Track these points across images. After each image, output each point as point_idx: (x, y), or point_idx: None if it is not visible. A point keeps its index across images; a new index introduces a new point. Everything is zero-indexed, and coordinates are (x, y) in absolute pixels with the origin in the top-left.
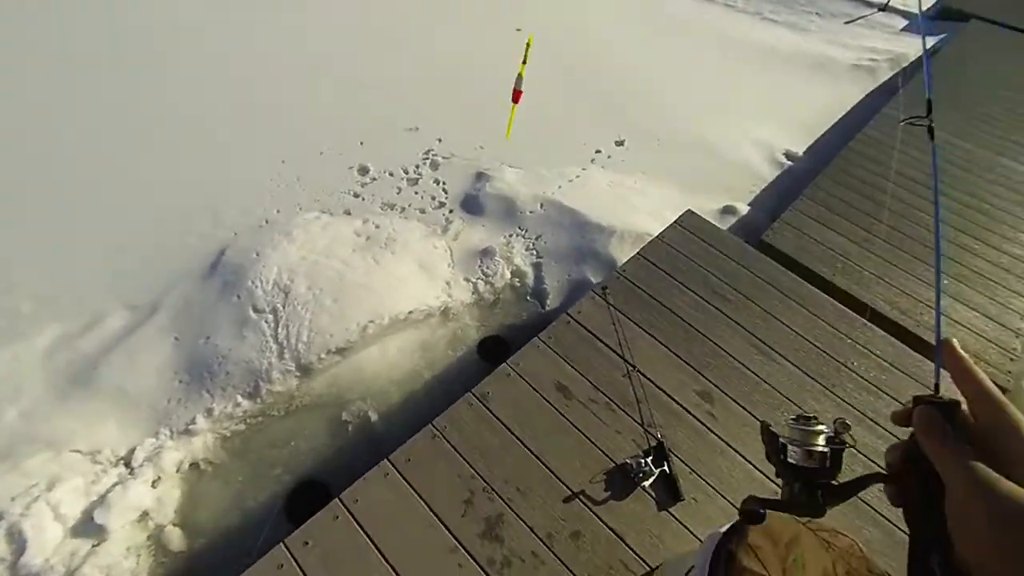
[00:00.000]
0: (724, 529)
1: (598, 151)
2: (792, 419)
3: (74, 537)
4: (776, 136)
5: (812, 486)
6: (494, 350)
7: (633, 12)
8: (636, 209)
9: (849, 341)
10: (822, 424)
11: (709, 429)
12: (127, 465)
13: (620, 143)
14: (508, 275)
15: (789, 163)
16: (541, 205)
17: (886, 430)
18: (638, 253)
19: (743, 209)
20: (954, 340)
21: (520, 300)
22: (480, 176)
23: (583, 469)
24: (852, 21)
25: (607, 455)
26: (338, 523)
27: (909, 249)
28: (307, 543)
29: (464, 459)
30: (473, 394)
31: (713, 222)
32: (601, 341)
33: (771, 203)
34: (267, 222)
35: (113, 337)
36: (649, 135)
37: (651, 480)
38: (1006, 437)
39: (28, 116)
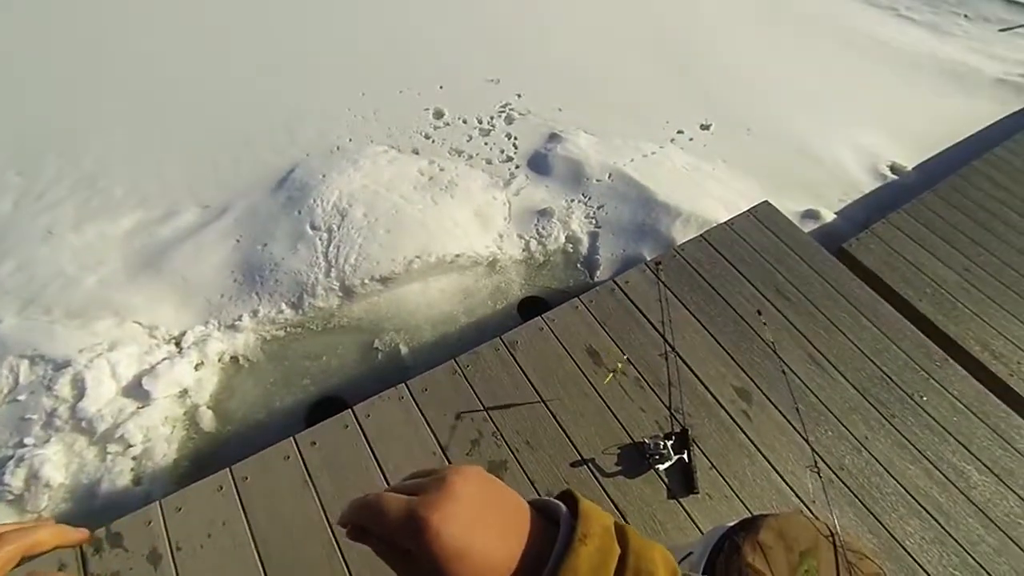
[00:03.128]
0: (732, 523)
1: (680, 131)
2: None
3: (124, 396)
4: (883, 145)
5: None
6: (533, 310)
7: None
8: (709, 196)
9: (923, 373)
10: None
11: (740, 428)
12: (177, 345)
13: (706, 127)
14: (562, 239)
15: (893, 176)
16: (609, 175)
17: (943, 475)
18: (701, 235)
19: (828, 216)
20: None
21: (569, 266)
22: (553, 137)
23: (598, 438)
24: (1009, 29)
25: (626, 430)
26: (347, 432)
27: (1022, 290)
28: (314, 443)
29: (479, 400)
30: (502, 340)
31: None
32: (643, 315)
33: (862, 216)
34: (338, 148)
35: (185, 230)
36: (739, 123)
37: (667, 465)
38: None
39: (134, 21)
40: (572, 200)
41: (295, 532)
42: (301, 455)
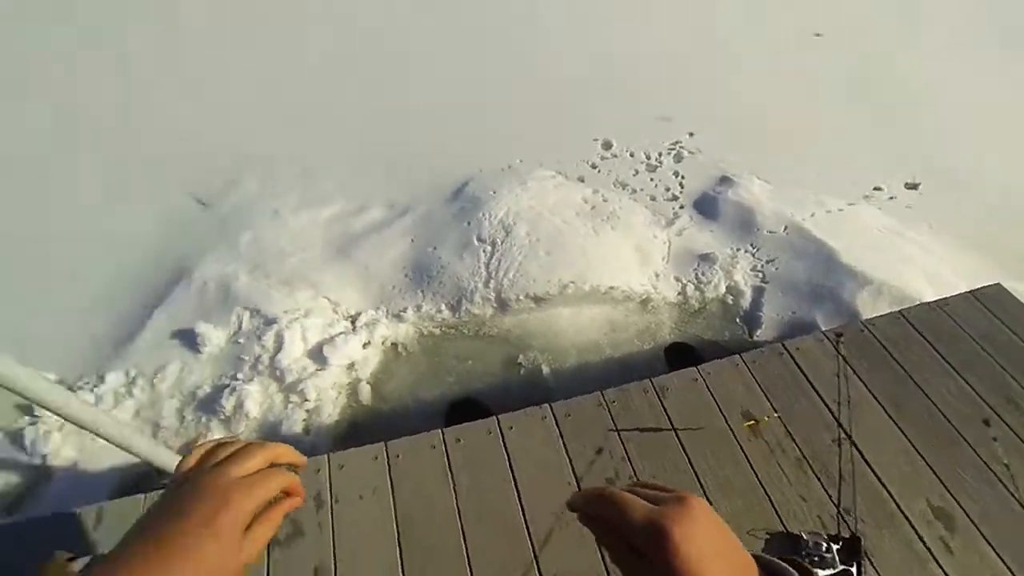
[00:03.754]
0: None
1: (877, 188)
2: None
3: (307, 358)
4: None
5: None
6: (682, 357)
7: (974, 24)
8: (909, 264)
9: None
10: None
11: (936, 560)
12: (352, 323)
13: (913, 186)
14: (723, 288)
15: None
16: (785, 228)
17: None
18: (899, 311)
19: None
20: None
21: (727, 319)
22: (724, 180)
23: (745, 513)
24: None
25: (779, 515)
26: (489, 437)
27: None
28: (459, 440)
29: (621, 440)
30: (652, 382)
31: None
32: (815, 390)
33: None
34: (509, 167)
35: (372, 224)
36: (951, 181)
37: (827, 573)
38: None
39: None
40: (738, 249)
41: (434, 516)
42: (446, 448)
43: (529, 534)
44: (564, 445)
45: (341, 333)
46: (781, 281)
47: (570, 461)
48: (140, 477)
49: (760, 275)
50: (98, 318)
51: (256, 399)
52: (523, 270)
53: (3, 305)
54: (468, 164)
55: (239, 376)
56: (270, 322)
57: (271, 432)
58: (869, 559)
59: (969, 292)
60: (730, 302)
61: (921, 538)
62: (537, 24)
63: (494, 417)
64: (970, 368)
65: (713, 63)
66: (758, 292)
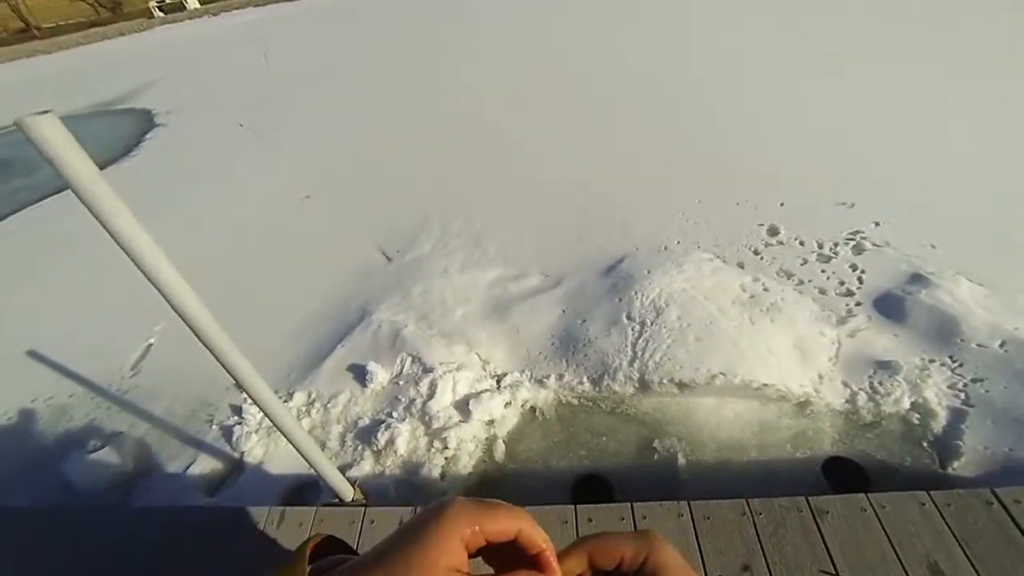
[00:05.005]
0: None
1: None
2: None
3: (454, 408)
4: None
5: None
6: (845, 475)
7: None
8: None
9: None
10: None
11: None
12: (498, 382)
13: None
14: (906, 404)
15: None
16: (1002, 344)
17: None
18: None
19: None
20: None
21: (910, 441)
22: (917, 278)
23: None
24: None
25: None
26: (621, 524)
27: None
28: (591, 520)
29: (766, 562)
30: (808, 501)
31: None
32: None
33: None
34: (665, 248)
35: (527, 291)
36: None
37: None
38: None
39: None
40: (931, 361)
41: None
42: (577, 525)
43: None
44: (700, 550)
45: (487, 390)
46: (993, 408)
47: (704, 568)
48: (306, 487)
49: (962, 395)
50: (299, 344)
51: (405, 438)
52: (670, 354)
53: (237, 327)
54: (625, 241)
55: (394, 415)
56: (428, 370)
57: (412, 471)
58: None
59: None
60: (915, 421)
61: None
62: (700, 99)
63: (628, 504)
64: None
65: (911, 140)
66: (957, 416)
